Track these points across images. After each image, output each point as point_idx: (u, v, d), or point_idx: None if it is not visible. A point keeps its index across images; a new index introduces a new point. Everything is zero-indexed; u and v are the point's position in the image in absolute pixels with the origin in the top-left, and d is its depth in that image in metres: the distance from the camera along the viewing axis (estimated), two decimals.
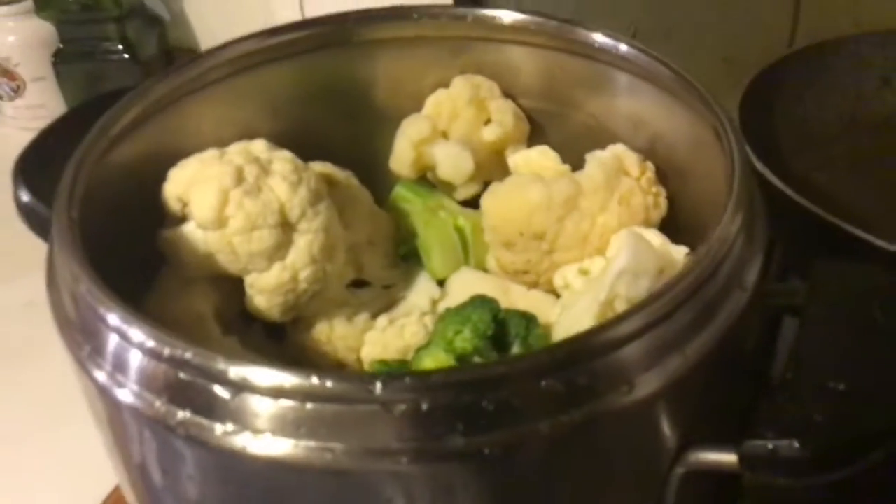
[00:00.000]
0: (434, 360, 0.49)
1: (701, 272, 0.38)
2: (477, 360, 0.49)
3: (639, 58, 0.52)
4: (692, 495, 0.41)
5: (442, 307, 0.55)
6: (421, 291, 0.56)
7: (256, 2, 1.09)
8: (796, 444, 0.36)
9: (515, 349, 0.50)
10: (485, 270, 0.58)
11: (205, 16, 1.16)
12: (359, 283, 0.56)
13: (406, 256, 0.59)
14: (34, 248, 0.97)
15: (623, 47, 0.53)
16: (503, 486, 0.36)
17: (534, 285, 0.56)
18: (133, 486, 0.43)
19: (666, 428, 0.38)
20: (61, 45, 1.08)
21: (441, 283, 0.58)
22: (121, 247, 0.49)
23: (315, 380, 0.34)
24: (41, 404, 0.75)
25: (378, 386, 0.34)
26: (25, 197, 0.52)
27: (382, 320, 0.53)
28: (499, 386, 0.34)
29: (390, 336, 0.52)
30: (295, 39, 0.57)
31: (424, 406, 0.34)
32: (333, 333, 0.52)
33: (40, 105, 1.15)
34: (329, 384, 0.34)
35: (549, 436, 0.35)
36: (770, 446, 0.37)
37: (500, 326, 0.50)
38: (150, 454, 0.38)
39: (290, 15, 1.08)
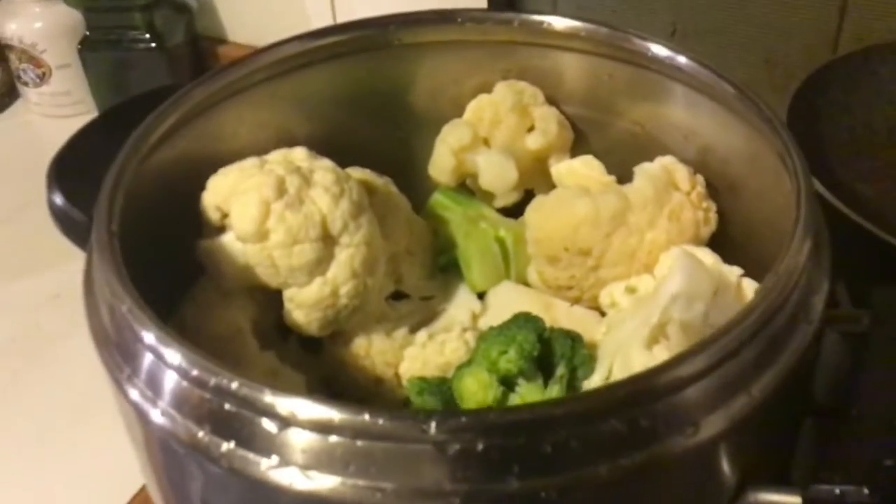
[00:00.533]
0: (476, 380, 0.48)
1: (769, 306, 0.37)
2: (521, 381, 0.48)
3: (698, 71, 0.50)
4: None
5: (483, 322, 0.54)
6: (461, 305, 0.55)
7: None
8: (865, 491, 0.35)
9: (560, 370, 0.48)
10: (526, 283, 0.56)
11: (233, 4, 1.14)
12: (397, 296, 0.55)
13: (445, 267, 0.58)
14: (61, 242, 0.96)
15: (682, 59, 0.51)
16: None
17: (577, 301, 0.54)
18: None
19: (727, 468, 0.37)
20: (87, 33, 1.07)
21: (481, 295, 0.56)
22: (159, 254, 0.48)
23: (367, 416, 0.32)
24: (68, 398, 0.75)
25: (433, 425, 0.32)
26: (59, 201, 0.51)
27: (422, 335, 0.52)
28: (558, 427, 0.33)
29: (430, 352, 0.51)
30: (335, 42, 0.56)
31: (479, 447, 0.32)
32: (372, 348, 0.51)
33: (65, 92, 1.14)
34: (381, 421, 0.32)
35: (608, 479, 0.33)
36: (837, 491, 0.35)
37: (545, 346, 0.48)
38: (189, 483, 0.37)
39: (320, 5, 1.06)
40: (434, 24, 0.57)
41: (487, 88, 0.60)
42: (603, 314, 0.53)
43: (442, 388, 0.49)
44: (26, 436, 0.72)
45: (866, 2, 0.83)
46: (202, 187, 0.50)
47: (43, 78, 1.13)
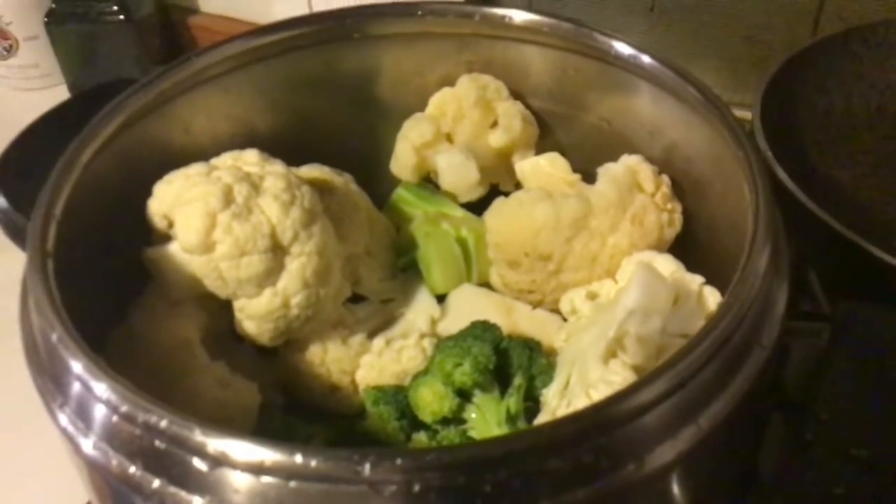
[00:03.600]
0: (432, 391, 0.47)
1: (720, 332, 0.36)
2: (478, 392, 0.47)
3: (662, 71, 0.49)
4: None
5: (442, 327, 0.53)
6: (420, 309, 0.54)
7: None
8: None
9: (518, 380, 0.47)
10: (488, 284, 0.55)
11: None
12: (356, 298, 0.54)
13: (406, 268, 0.56)
14: None
15: (646, 59, 0.49)
16: None
17: (539, 304, 0.53)
18: None
19: (675, 498, 0.36)
20: (53, 5, 1.04)
21: (441, 297, 0.55)
22: (107, 261, 0.46)
23: (299, 458, 0.31)
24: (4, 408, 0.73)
25: (367, 466, 0.31)
26: (2, 203, 0.49)
27: (379, 342, 0.51)
28: (498, 467, 0.32)
29: (387, 360, 0.50)
30: (292, 36, 0.54)
31: (416, 488, 0.31)
32: (327, 356, 0.50)
33: (33, 65, 1.12)
34: (314, 463, 0.31)
35: None
36: None
37: (502, 356, 0.48)
38: None
39: None
40: (394, 17, 0.55)
41: (451, 80, 0.59)
42: (564, 317, 0.52)
43: (398, 396, 0.49)
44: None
45: None
46: (150, 190, 0.49)
47: (10, 50, 1.10)
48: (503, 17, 0.54)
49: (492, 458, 0.32)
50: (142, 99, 0.51)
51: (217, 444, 0.32)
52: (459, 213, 0.58)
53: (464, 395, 0.47)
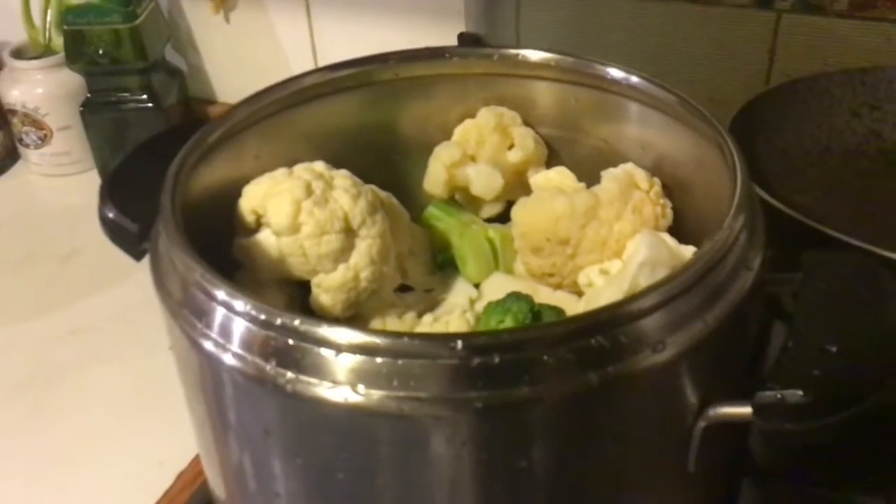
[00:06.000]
0: None
1: (713, 255, 0.46)
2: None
3: (647, 87, 0.60)
4: (711, 448, 0.48)
5: (479, 306, 0.62)
6: (459, 293, 0.64)
7: (270, 55, 1.18)
8: (800, 393, 0.43)
9: None
10: (513, 275, 0.65)
11: (220, 68, 1.24)
12: (403, 290, 0.64)
13: (443, 265, 0.66)
14: (68, 286, 1.04)
15: (634, 78, 0.61)
16: (560, 429, 0.43)
17: (559, 286, 0.63)
18: (227, 457, 0.49)
19: (690, 385, 0.45)
20: (89, 95, 1.15)
21: (476, 286, 0.65)
22: None
23: (406, 339, 0.41)
24: (86, 428, 0.81)
25: (459, 343, 0.41)
26: (112, 213, 0.59)
27: (428, 318, 0.60)
28: (556, 343, 0.41)
29: (437, 330, 0.59)
30: (346, 76, 0.65)
31: (496, 360, 0.41)
32: (386, 329, 0.59)
33: (65, 152, 1.21)
34: (417, 342, 0.41)
35: (598, 385, 0.42)
36: (778, 395, 0.44)
37: (535, 318, 0.57)
38: (255, 413, 0.45)
39: (304, 65, 1.16)
40: (426, 60, 0.67)
41: (471, 115, 0.70)
42: (581, 296, 0.62)
43: None
44: (49, 459, 0.78)
45: (790, 45, 0.95)
46: (228, 203, 0.59)
47: (44, 140, 1.20)
48: (517, 55, 0.66)
49: (551, 336, 0.42)
50: (219, 129, 0.61)
51: (340, 333, 0.41)
52: (483, 223, 0.68)
53: None
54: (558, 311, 0.58)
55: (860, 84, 0.90)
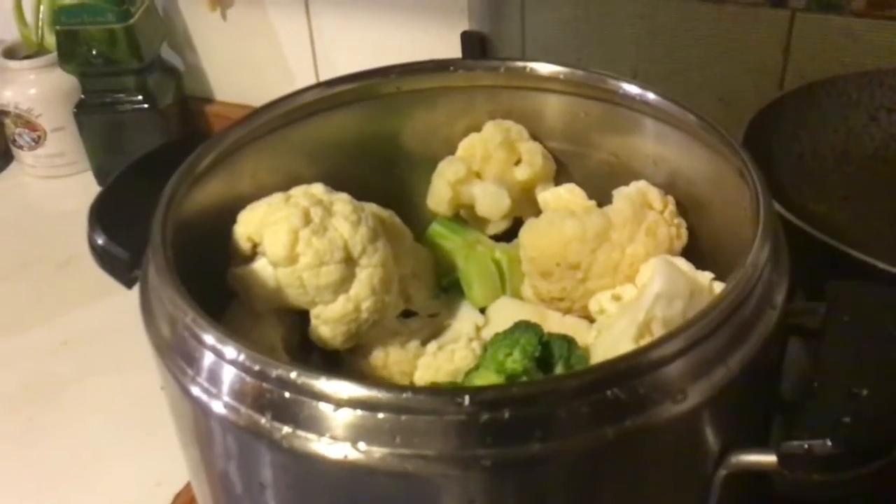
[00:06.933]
0: (484, 381, 0.53)
1: (737, 295, 0.43)
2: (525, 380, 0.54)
3: (665, 105, 0.58)
4: (733, 497, 0.45)
5: (485, 333, 0.60)
6: (465, 319, 0.61)
7: (268, 53, 1.15)
8: (829, 443, 0.41)
9: (559, 369, 0.54)
10: (521, 299, 0.63)
11: (218, 66, 1.21)
12: (406, 314, 0.61)
13: (448, 288, 0.64)
14: (64, 294, 1.02)
15: (650, 95, 0.58)
16: (574, 485, 0.40)
17: (568, 311, 0.60)
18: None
19: (711, 433, 0.43)
20: (83, 97, 1.12)
21: (482, 310, 0.62)
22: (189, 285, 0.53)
23: (409, 394, 0.38)
24: (83, 438, 0.80)
25: (466, 398, 0.38)
26: (101, 240, 0.56)
27: (433, 346, 0.58)
28: (571, 396, 0.39)
29: (441, 360, 0.57)
30: (346, 91, 0.62)
31: (506, 415, 0.38)
32: (388, 359, 0.57)
33: (59, 154, 1.19)
34: (421, 398, 0.38)
35: (614, 440, 0.39)
36: (806, 446, 0.41)
37: (545, 349, 0.54)
38: (249, 468, 0.43)
39: (303, 62, 1.13)
40: (430, 73, 0.64)
41: (477, 129, 0.67)
42: (592, 321, 0.60)
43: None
44: (44, 477, 0.76)
45: (805, 45, 0.91)
46: (225, 225, 0.56)
47: (38, 141, 1.18)
48: (525, 68, 0.63)
49: (566, 389, 0.39)
50: (215, 150, 0.58)
51: (339, 387, 0.39)
52: (490, 241, 0.66)
53: None
54: (569, 340, 0.55)
55: (878, 86, 0.87)
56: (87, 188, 1.15)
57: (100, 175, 1.16)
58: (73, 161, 1.20)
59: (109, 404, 0.84)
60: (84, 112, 1.13)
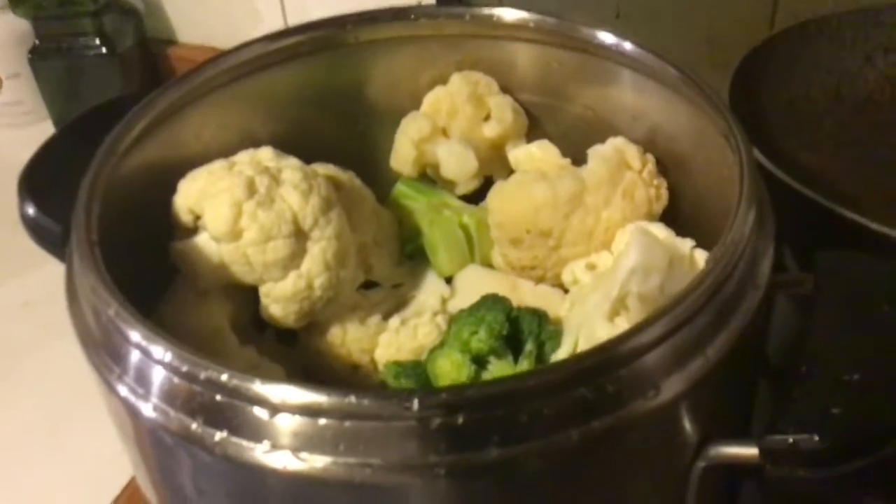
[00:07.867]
0: (450, 360, 0.50)
1: (718, 275, 0.39)
2: (493, 359, 0.50)
3: (643, 56, 0.53)
4: (712, 489, 0.42)
5: (452, 305, 0.56)
6: (430, 290, 0.57)
7: None
8: (816, 438, 0.37)
9: (529, 346, 0.51)
10: (491, 266, 0.59)
11: (181, 5, 1.15)
12: (368, 285, 0.57)
13: (412, 255, 0.60)
14: (26, 251, 0.96)
15: (627, 45, 0.54)
16: (537, 492, 0.37)
17: (541, 280, 0.57)
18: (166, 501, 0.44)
19: (688, 425, 0.39)
20: (37, 42, 1.07)
21: (448, 280, 0.58)
22: (132, 259, 0.49)
23: (353, 398, 0.34)
24: (45, 404, 0.77)
25: (415, 402, 0.34)
26: (31, 211, 0.52)
27: (395, 321, 0.54)
28: (531, 397, 0.35)
29: (403, 337, 0.53)
30: (296, 43, 0.58)
31: (460, 420, 0.35)
32: (347, 336, 0.53)
33: (17, 102, 1.14)
34: (367, 402, 0.34)
35: (580, 442, 0.36)
36: (790, 440, 0.38)
37: (513, 325, 0.51)
38: (183, 473, 0.39)
39: (270, 3, 1.07)
40: (389, 22, 0.59)
41: (443, 80, 0.62)
42: (566, 291, 0.56)
43: (417, 370, 0.52)
44: (4, 444, 0.73)
45: None
46: (169, 192, 0.52)
47: None
48: (491, 16, 0.58)
49: (526, 390, 0.35)
50: (156, 109, 0.54)
51: (276, 391, 0.35)
52: (458, 203, 0.61)
53: (479, 363, 0.50)
54: (540, 315, 0.51)
55: (874, 25, 0.82)
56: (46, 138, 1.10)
57: (60, 124, 1.11)
58: (31, 109, 1.15)
59: (72, 370, 0.80)
60: (39, 58, 1.08)
